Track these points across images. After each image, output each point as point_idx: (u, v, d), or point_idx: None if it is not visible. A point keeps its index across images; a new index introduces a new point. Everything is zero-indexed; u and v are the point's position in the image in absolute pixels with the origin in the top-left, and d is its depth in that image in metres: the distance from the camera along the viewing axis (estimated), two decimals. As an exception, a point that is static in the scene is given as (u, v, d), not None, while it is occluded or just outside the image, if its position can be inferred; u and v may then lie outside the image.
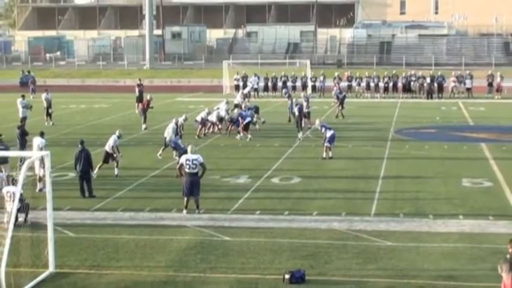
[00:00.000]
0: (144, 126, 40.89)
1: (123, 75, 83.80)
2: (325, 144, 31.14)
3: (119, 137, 28.28)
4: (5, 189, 20.45)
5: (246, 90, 50.80)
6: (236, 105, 40.84)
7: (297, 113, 37.08)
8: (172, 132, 31.32)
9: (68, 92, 67.15)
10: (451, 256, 18.01)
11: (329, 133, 31.08)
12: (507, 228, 20.38)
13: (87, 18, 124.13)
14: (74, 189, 25.01)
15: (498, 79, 58.63)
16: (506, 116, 45.88)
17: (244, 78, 61.79)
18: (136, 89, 51.02)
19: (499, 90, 58.22)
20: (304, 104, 39.79)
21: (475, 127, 41.42)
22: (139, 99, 48.81)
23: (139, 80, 53.82)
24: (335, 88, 51.52)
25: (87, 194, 24.44)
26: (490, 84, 58.75)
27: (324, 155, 31.10)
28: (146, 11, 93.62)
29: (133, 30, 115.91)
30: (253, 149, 34.26)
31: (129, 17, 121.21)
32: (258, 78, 61.53)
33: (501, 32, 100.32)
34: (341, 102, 45.64)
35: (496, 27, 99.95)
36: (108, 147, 27.89)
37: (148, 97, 42.67)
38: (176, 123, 32.19)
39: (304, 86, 61.20)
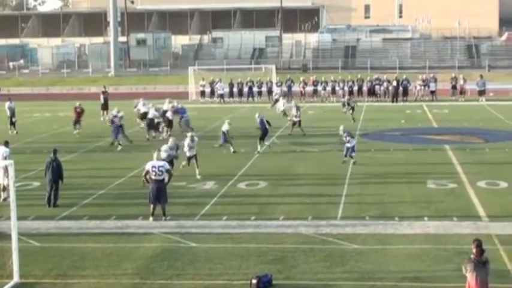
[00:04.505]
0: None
1: (88, 83, 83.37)
2: (353, 154, 30.69)
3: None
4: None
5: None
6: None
7: (260, 125, 36.28)
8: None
9: (32, 100, 66.69)
10: (417, 257, 18.13)
11: (352, 143, 30.69)
12: (471, 228, 20.58)
13: (51, 25, 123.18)
14: (38, 198, 24.82)
15: (461, 81, 59.29)
16: (470, 118, 46.36)
17: (212, 84, 61.91)
18: (101, 96, 50.83)
19: (462, 92, 58.93)
20: (294, 112, 39.80)
21: (439, 129, 41.76)
22: (105, 106, 48.60)
23: (104, 87, 53.62)
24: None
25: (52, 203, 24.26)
26: (454, 87, 59.40)
27: (353, 161, 30.64)
28: (111, 18, 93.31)
29: (98, 37, 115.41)
30: (219, 155, 34.21)
31: (93, 24, 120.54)
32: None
33: (464, 35, 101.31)
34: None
35: (459, 30, 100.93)
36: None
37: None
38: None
39: (269, 91, 61.41)
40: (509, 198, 24.38)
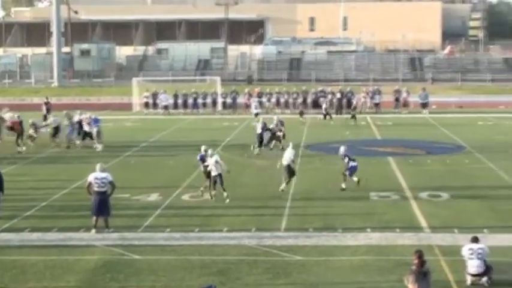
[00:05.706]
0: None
1: (30, 94, 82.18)
2: (346, 173, 28.37)
3: None
4: None
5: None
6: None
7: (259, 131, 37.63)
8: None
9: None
10: (360, 269, 18.26)
11: (352, 163, 28.40)
12: (413, 240, 20.82)
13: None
14: (-21, 210, 24.42)
15: (404, 94, 59.99)
16: (413, 131, 46.89)
17: (155, 96, 61.61)
18: (44, 107, 50.34)
19: (405, 105, 59.53)
20: (280, 127, 39.52)
21: (383, 141, 42.17)
22: (47, 117, 48.14)
23: (47, 97, 53.04)
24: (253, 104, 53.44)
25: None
26: (397, 99, 59.99)
27: (343, 185, 28.10)
28: (54, 28, 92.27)
29: (41, 47, 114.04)
30: (164, 166, 34.07)
31: (36, 35, 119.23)
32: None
33: (407, 48, 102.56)
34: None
35: (403, 43, 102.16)
36: None
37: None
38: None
39: (214, 103, 61.42)
40: (450, 209, 24.73)
